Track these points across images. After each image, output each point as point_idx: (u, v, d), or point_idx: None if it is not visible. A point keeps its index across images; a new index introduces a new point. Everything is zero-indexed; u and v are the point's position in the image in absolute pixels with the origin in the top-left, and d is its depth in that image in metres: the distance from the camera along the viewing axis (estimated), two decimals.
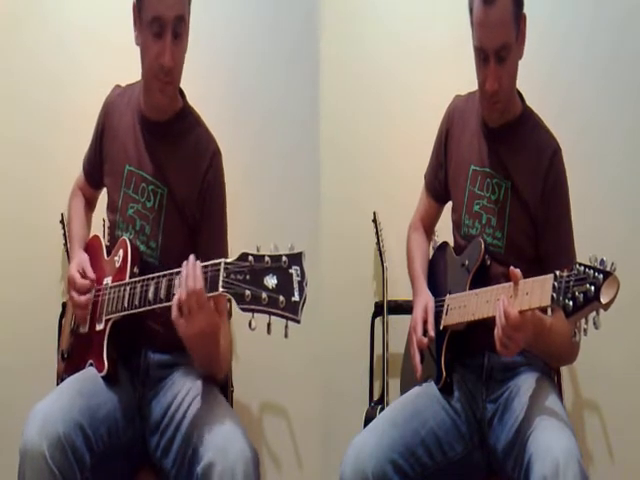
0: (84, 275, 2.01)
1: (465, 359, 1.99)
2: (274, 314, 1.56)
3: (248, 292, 1.56)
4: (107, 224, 2.27)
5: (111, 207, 2.10)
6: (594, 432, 2.57)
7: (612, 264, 1.54)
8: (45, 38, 2.67)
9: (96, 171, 2.17)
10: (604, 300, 1.51)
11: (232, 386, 2.36)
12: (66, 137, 2.63)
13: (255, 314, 1.57)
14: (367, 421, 2.41)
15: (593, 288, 1.52)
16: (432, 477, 1.87)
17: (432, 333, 1.98)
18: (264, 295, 1.55)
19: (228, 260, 1.61)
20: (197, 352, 1.86)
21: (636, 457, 2.52)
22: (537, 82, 2.46)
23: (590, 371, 2.53)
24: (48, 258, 2.66)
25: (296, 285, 1.55)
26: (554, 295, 1.59)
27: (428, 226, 2.28)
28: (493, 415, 1.92)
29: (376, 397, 2.62)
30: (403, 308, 2.49)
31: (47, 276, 2.65)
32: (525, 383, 1.90)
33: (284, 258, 1.56)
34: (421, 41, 2.70)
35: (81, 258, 2.07)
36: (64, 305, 2.35)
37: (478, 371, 1.97)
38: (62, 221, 2.60)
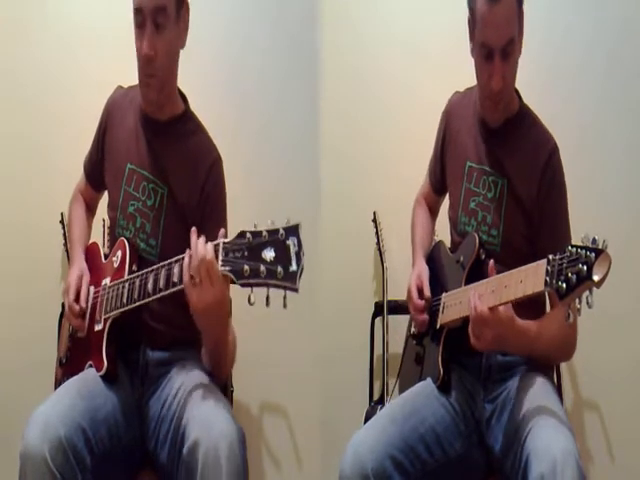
0: (78, 298, 2.02)
1: (463, 359, 1.99)
2: (272, 285, 1.57)
3: (247, 267, 1.58)
4: (107, 223, 2.26)
5: (112, 205, 2.11)
6: (594, 432, 2.56)
7: (604, 242, 1.51)
8: (46, 38, 2.68)
9: (97, 172, 2.17)
10: (596, 278, 1.48)
11: (232, 386, 2.36)
12: (67, 137, 2.63)
13: (254, 289, 1.59)
14: (367, 421, 2.39)
15: (585, 267, 1.49)
16: (432, 474, 1.87)
17: (428, 294, 2.03)
18: (262, 268, 1.57)
19: (226, 240, 1.63)
20: (207, 331, 1.85)
21: (636, 457, 2.52)
22: (537, 82, 2.46)
23: (590, 371, 2.53)
24: (48, 258, 2.66)
25: (293, 255, 1.57)
26: (547, 279, 1.58)
27: (431, 204, 2.31)
28: (491, 415, 1.91)
29: (376, 397, 2.62)
30: (403, 308, 2.47)
31: (47, 276, 2.65)
32: (523, 383, 1.89)
33: (281, 231, 1.58)
34: (421, 41, 2.70)
35: (81, 271, 2.07)
36: (64, 305, 2.34)
37: (476, 371, 1.97)
38: (62, 221, 2.60)
